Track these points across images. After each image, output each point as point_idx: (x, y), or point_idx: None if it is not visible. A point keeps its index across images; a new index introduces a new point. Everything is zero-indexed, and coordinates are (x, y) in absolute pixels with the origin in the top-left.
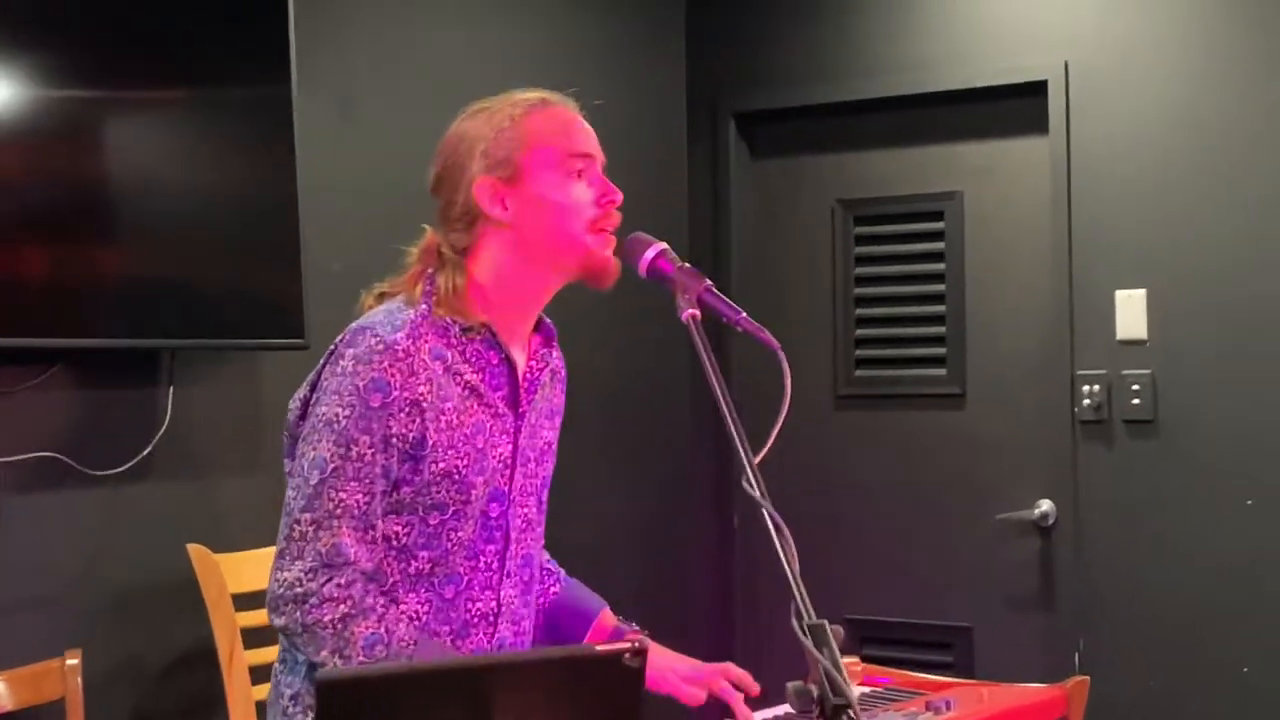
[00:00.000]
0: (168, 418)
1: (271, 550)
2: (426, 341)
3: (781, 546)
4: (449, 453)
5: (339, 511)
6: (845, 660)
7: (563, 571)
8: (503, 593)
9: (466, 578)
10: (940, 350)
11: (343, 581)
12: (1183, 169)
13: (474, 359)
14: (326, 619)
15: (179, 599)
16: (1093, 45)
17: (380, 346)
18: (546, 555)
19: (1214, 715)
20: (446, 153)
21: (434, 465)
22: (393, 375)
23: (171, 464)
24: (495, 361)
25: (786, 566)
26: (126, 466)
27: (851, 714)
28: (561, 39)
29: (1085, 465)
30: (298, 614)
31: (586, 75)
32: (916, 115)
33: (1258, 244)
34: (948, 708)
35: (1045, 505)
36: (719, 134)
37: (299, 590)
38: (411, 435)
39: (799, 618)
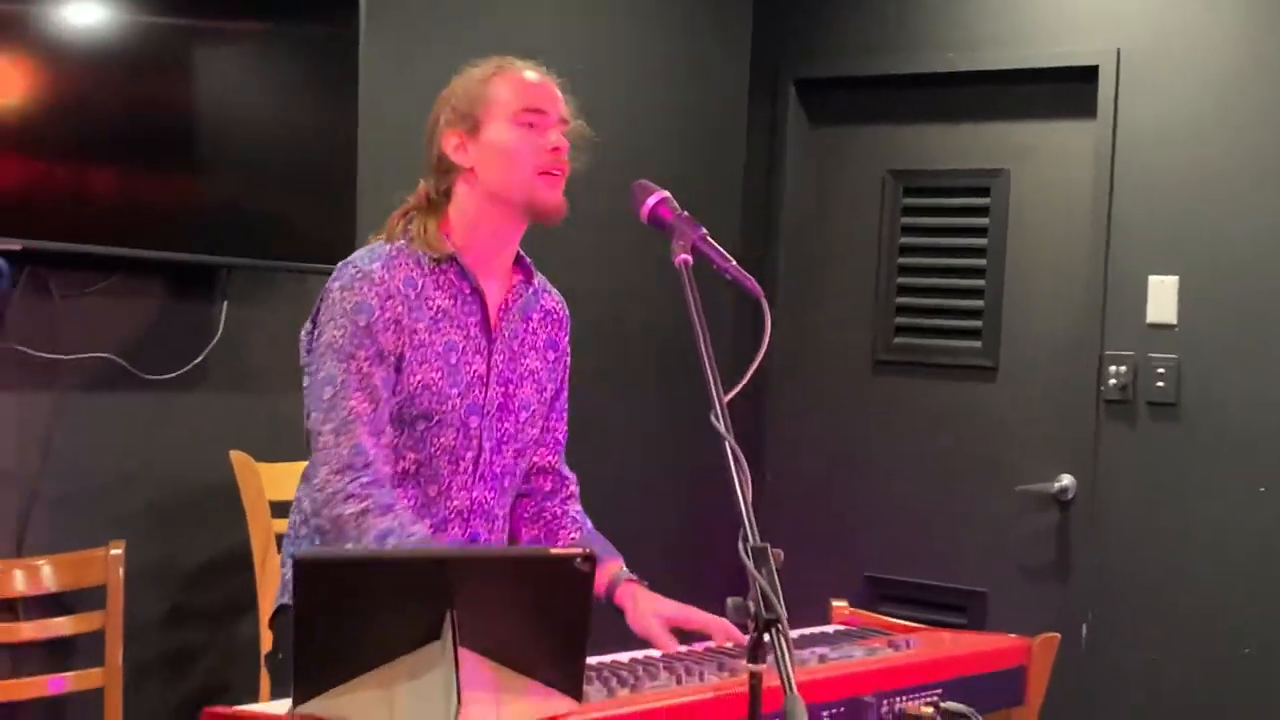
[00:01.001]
0: (220, 331)
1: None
2: (401, 271)
3: (737, 477)
4: (423, 366)
5: (353, 418)
6: (835, 603)
7: (589, 524)
8: (475, 493)
9: (447, 480)
10: (977, 323)
11: (365, 481)
12: (1224, 160)
13: (445, 287)
14: (348, 513)
15: (219, 502)
16: (1146, 33)
17: (359, 275)
18: (578, 508)
19: (1214, 694)
20: (433, 111)
21: (411, 377)
22: (372, 298)
23: (220, 375)
24: (467, 291)
25: (740, 495)
26: (178, 374)
27: (780, 627)
28: (632, 2)
29: (1107, 443)
30: (324, 510)
31: (652, 37)
32: (970, 92)
33: None
34: (908, 646)
35: (1066, 480)
36: (779, 99)
37: (327, 491)
38: (395, 350)
39: (744, 540)
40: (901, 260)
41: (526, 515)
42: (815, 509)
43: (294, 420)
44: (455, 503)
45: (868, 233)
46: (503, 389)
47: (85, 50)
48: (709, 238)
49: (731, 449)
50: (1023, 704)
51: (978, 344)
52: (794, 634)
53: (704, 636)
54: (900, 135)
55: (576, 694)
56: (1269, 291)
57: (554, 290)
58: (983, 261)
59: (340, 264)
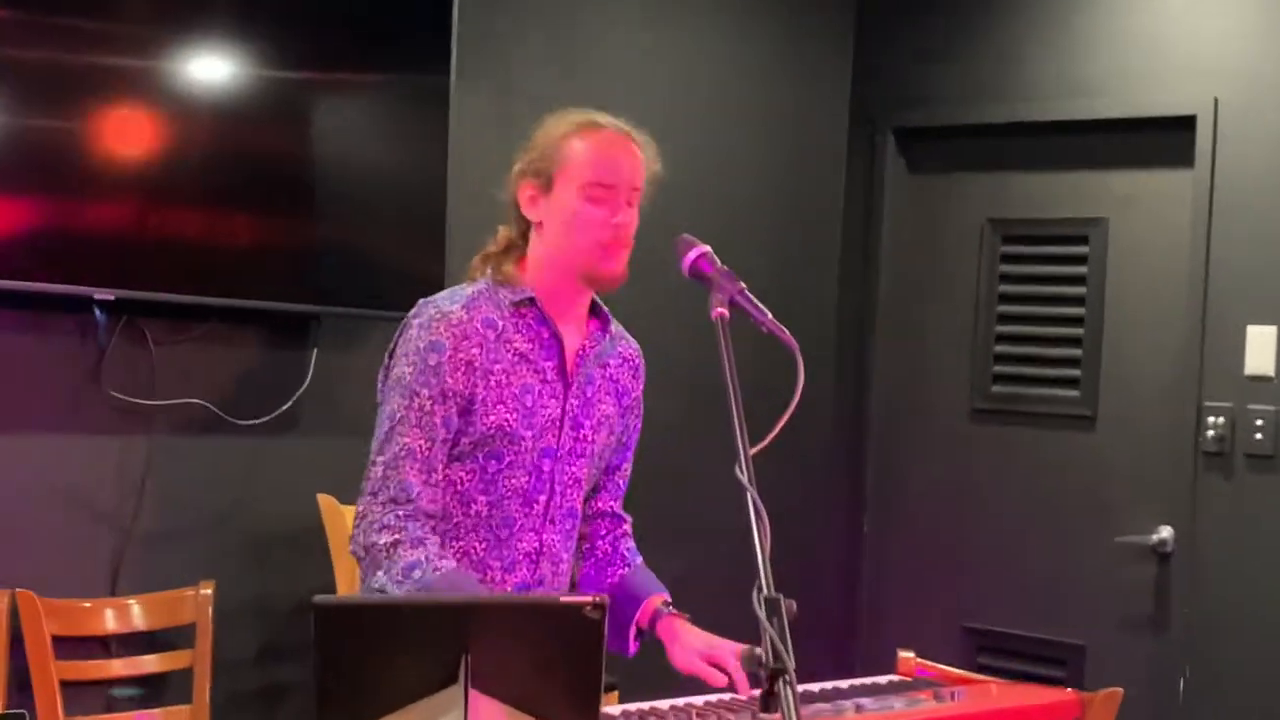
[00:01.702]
0: (309, 377)
1: None
2: (480, 313)
3: (757, 528)
4: (498, 407)
5: (404, 454)
6: (902, 654)
7: (638, 559)
8: (545, 536)
9: (518, 522)
10: (1075, 372)
11: (401, 514)
12: None
13: (525, 331)
14: (381, 543)
15: (307, 544)
16: (1244, 82)
17: (438, 315)
18: (630, 544)
19: None
20: (522, 151)
21: (485, 418)
22: (446, 339)
23: (309, 420)
24: (546, 336)
25: (758, 546)
26: (268, 419)
27: (788, 678)
28: (731, 50)
29: (1205, 495)
30: (359, 537)
31: (753, 86)
32: (1069, 141)
33: None
34: (952, 698)
35: (1165, 532)
36: (878, 148)
37: (367, 519)
38: (465, 391)
39: (758, 590)
40: (1000, 309)
41: (582, 554)
42: (914, 560)
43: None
44: (524, 545)
45: (966, 282)
46: (575, 434)
47: (188, 102)
48: (747, 292)
49: (753, 500)
50: None
51: (1076, 393)
52: (844, 684)
53: None
54: (999, 184)
55: None
56: None
57: (630, 338)
58: (1081, 310)
59: (422, 301)
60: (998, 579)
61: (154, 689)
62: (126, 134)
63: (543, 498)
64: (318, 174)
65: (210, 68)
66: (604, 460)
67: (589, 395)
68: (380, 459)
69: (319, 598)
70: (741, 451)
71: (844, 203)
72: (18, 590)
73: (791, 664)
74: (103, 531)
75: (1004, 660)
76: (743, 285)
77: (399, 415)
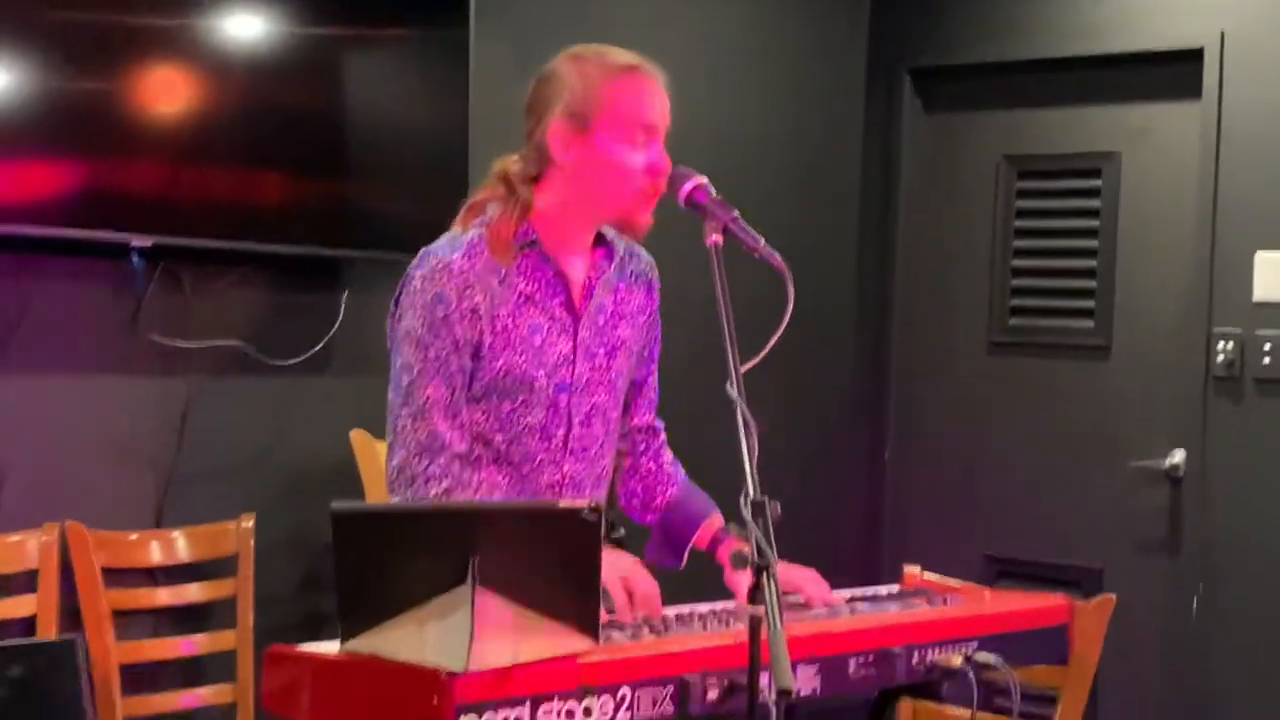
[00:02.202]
0: (339, 319)
1: None
2: (481, 259)
3: (745, 438)
4: (506, 351)
5: (428, 405)
6: (908, 569)
7: (682, 474)
8: (566, 468)
9: (538, 456)
10: (1090, 303)
11: (442, 462)
12: None
13: (528, 272)
14: (433, 493)
15: (341, 478)
16: (1249, 16)
17: (440, 266)
18: (670, 456)
19: None
20: (540, 85)
21: (493, 363)
22: (450, 290)
23: (341, 360)
24: (549, 275)
25: (745, 456)
26: (302, 359)
27: (770, 572)
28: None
29: (1215, 420)
30: (408, 492)
31: (772, 29)
32: (1081, 76)
33: None
34: (945, 602)
35: (1177, 456)
36: (895, 88)
37: (408, 473)
38: (473, 338)
39: (745, 495)
40: (1016, 243)
41: (625, 471)
42: (935, 489)
43: None
44: (546, 478)
45: (983, 217)
46: (590, 364)
47: (219, 59)
48: (740, 220)
49: (742, 412)
50: (1066, 662)
51: (1090, 324)
52: (846, 593)
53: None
54: (1013, 120)
55: (594, 634)
56: None
57: (641, 253)
58: (1095, 243)
59: (423, 251)
60: (1017, 506)
61: (199, 617)
62: (162, 90)
63: (560, 431)
64: (346, 125)
65: (240, 25)
66: (628, 381)
67: (600, 324)
68: (405, 411)
69: (336, 505)
70: (732, 368)
71: (862, 142)
72: (67, 523)
73: (774, 559)
74: (146, 468)
75: (1023, 585)
76: (736, 214)
77: (416, 368)
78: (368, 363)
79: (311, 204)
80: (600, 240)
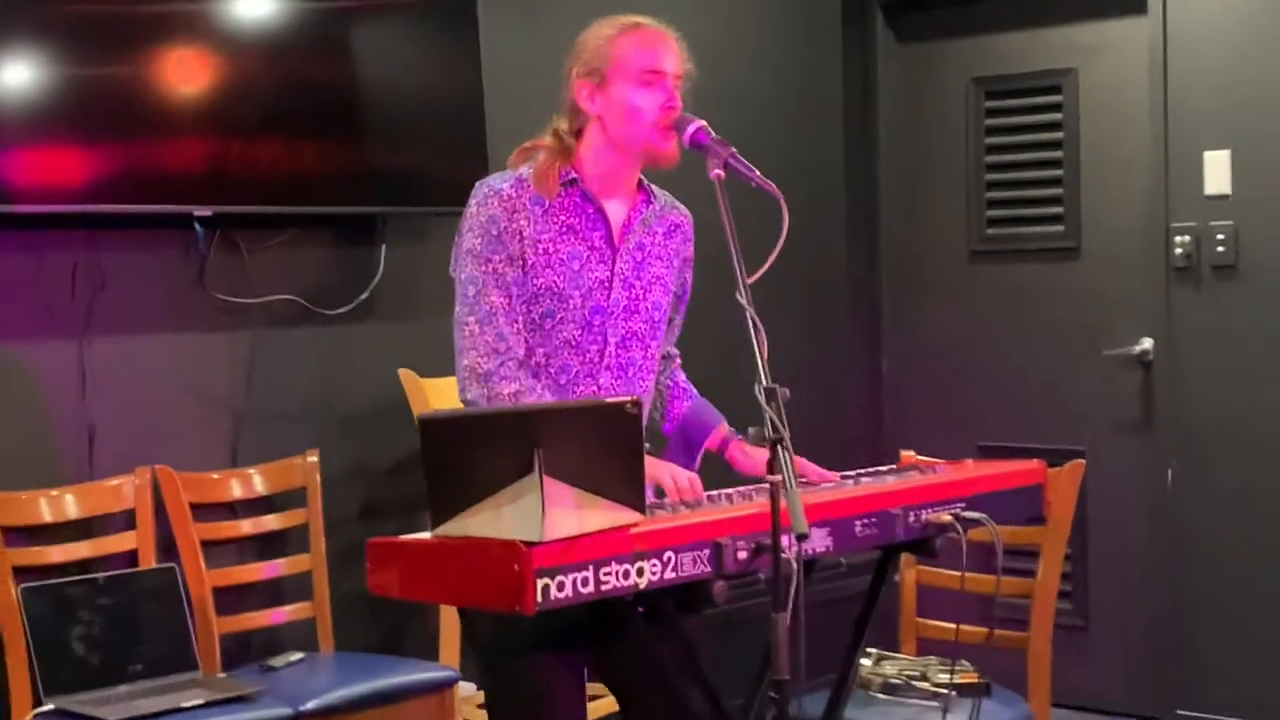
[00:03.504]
0: (380, 270)
1: None
2: (529, 191)
3: (755, 338)
4: (546, 271)
5: (492, 311)
6: (904, 453)
7: (694, 390)
8: (602, 381)
9: (574, 370)
10: (1059, 209)
11: (512, 364)
12: (1268, 41)
13: (571, 208)
14: (506, 393)
15: (393, 414)
16: None
17: (492, 192)
18: (683, 376)
19: None
20: (570, 57)
21: (534, 280)
22: (500, 211)
23: (385, 307)
24: (590, 211)
25: (757, 351)
26: (350, 308)
27: (784, 444)
28: None
29: (1178, 306)
30: (483, 390)
31: None
32: (1038, 1)
33: None
34: (934, 471)
35: (1146, 343)
36: (868, 22)
37: (481, 371)
38: (519, 256)
39: (759, 383)
40: (988, 159)
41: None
42: (929, 391)
43: (448, 340)
44: (582, 389)
45: (956, 136)
46: (628, 293)
47: (248, 37)
48: (737, 154)
49: (751, 317)
50: (1044, 521)
51: (1061, 228)
52: (849, 478)
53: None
54: (978, 45)
55: (640, 508)
56: None
57: (679, 207)
58: (1060, 153)
59: (479, 182)
60: (1005, 399)
61: (276, 544)
62: (196, 72)
63: (594, 348)
64: (368, 93)
65: (254, 6)
66: (665, 316)
67: (639, 260)
68: (472, 318)
69: (423, 413)
70: (740, 280)
71: (842, 74)
72: (157, 466)
73: (787, 434)
74: (219, 414)
75: None
76: (734, 150)
77: (480, 280)
78: (409, 309)
79: (346, 168)
80: (644, 188)
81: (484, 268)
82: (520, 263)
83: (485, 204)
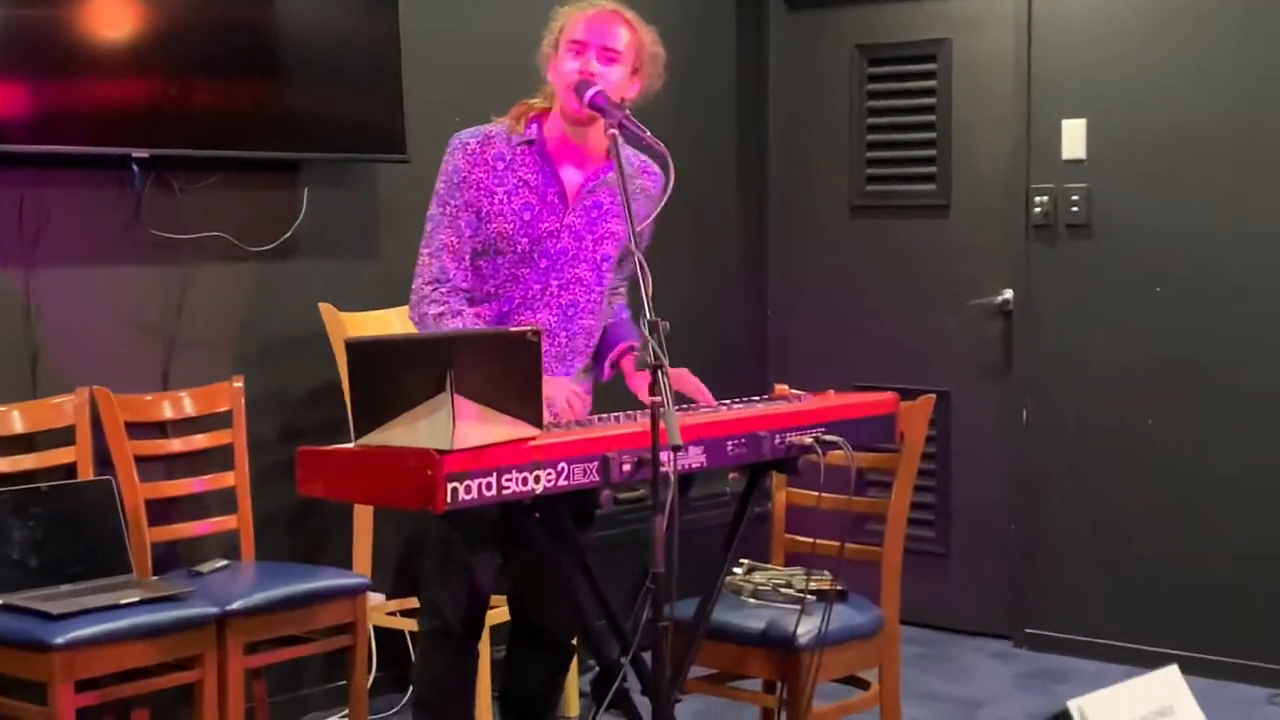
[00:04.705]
0: (303, 212)
1: (381, 312)
2: (493, 147)
3: (643, 280)
4: (498, 219)
5: (440, 247)
6: (778, 386)
7: (626, 315)
8: (540, 316)
9: (517, 301)
10: (931, 169)
11: (444, 291)
12: (1119, 22)
13: (529, 165)
14: (431, 314)
15: (313, 344)
16: None
17: (459, 145)
18: (622, 302)
19: (1122, 454)
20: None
21: (489, 224)
22: (462, 163)
23: (307, 245)
24: (547, 170)
25: (644, 290)
26: (275, 245)
27: (663, 369)
28: None
29: (1036, 261)
30: (416, 311)
31: None
32: None
33: (1176, 86)
34: (800, 400)
35: (1007, 294)
36: None
37: (419, 295)
38: (475, 204)
39: (643, 317)
40: (869, 120)
41: None
42: (812, 337)
43: (366, 277)
44: (522, 318)
45: (841, 99)
46: (577, 243)
47: None
48: (630, 115)
49: (640, 261)
50: (898, 448)
51: (933, 187)
52: (724, 404)
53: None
54: (862, 14)
55: (538, 424)
56: (1158, 128)
57: (653, 168)
58: (933, 118)
59: (454, 135)
60: (879, 343)
61: (203, 461)
62: (133, 17)
63: (536, 286)
64: (288, 39)
65: None
66: (614, 266)
67: (595, 216)
68: (425, 251)
69: (349, 338)
70: (630, 228)
71: (735, 40)
72: (95, 387)
73: (666, 360)
74: (153, 341)
75: None
76: (627, 111)
77: (437, 218)
78: (329, 248)
79: (270, 114)
80: (608, 157)
81: (442, 209)
82: (475, 209)
83: (453, 155)
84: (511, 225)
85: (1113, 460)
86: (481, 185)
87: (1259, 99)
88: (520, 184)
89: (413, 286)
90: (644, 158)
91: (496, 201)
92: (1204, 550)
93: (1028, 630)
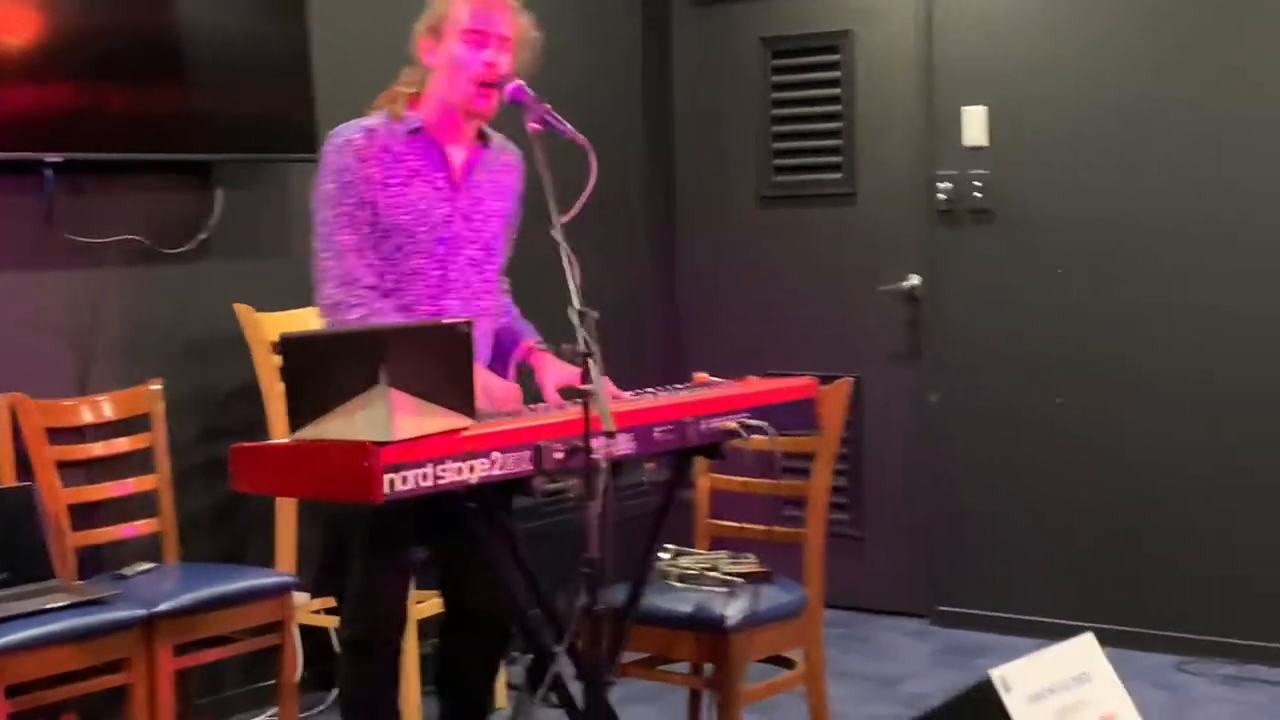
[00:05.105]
0: (216, 212)
1: (297, 311)
2: (379, 140)
3: (569, 268)
4: (395, 210)
5: (343, 248)
6: (696, 374)
7: (516, 312)
8: (442, 304)
9: (419, 293)
10: (838, 159)
11: (359, 292)
12: (1017, 14)
13: (417, 152)
14: (353, 318)
15: (230, 345)
16: None
17: (342, 142)
18: (508, 300)
19: (1030, 433)
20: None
21: (385, 219)
22: (352, 160)
23: (221, 246)
24: (434, 155)
25: (570, 279)
26: (189, 247)
27: (595, 358)
28: None
29: (941, 246)
30: (335, 317)
31: None
32: None
33: (1074, 72)
34: (722, 386)
35: (914, 279)
36: None
37: (333, 301)
38: (370, 199)
39: (572, 307)
40: (774, 111)
41: None
42: (723, 325)
43: (280, 278)
44: (424, 309)
45: (747, 90)
46: (467, 225)
47: None
48: (552, 110)
49: (565, 251)
50: (818, 431)
51: (839, 175)
52: (649, 392)
53: None
54: (766, 8)
55: (471, 414)
56: (1057, 114)
57: (512, 148)
58: (839, 108)
59: (332, 131)
60: (791, 331)
61: (124, 465)
62: (33, 24)
63: (437, 274)
64: (195, 40)
65: None
66: (501, 244)
67: (478, 196)
68: (327, 254)
69: (284, 333)
70: (554, 218)
71: (641, 34)
72: (13, 394)
73: (597, 350)
74: (70, 346)
75: None
76: (549, 106)
77: (332, 221)
78: (244, 248)
79: (181, 116)
80: (482, 135)
81: (337, 210)
82: (371, 205)
83: (340, 153)
84: (409, 216)
85: (1021, 440)
86: (374, 180)
87: (1155, 85)
88: (411, 173)
89: (322, 293)
90: (502, 136)
91: (391, 194)
92: (1111, 524)
93: (941, 608)
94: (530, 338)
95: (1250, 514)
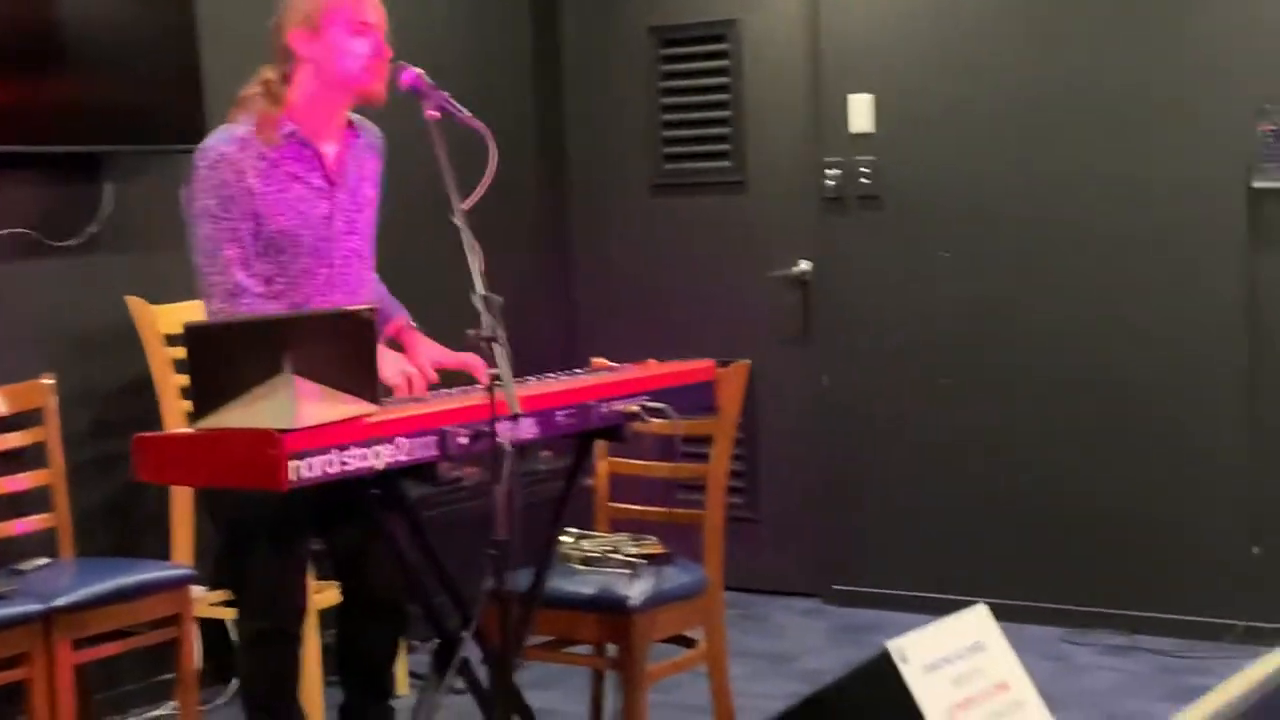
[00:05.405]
0: (105, 204)
1: (193, 303)
2: (252, 149)
3: (471, 255)
4: (277, 217)
5: (227, 262)
6: (595, 360)
7: (384, 290)
8: (332, 298)
9: (308, 292)
10: (726, 147)
11: (247, 301)
12: (903, 2)
13: (293, 155)
14: None
15: (123, 338)
16: None
17: (216, 156)
18: (375, 276)
19: (919, 415)
20: (277, 10)
21: (269, 225)
22: (230, 175)
23: (112, 239)
24: (309, 156)
25: (474, 267)
26: (80, 240)
27: (500, 341)
28: None
29: (829, 232)
30: None
31: None
32: None
33: (959, 60)
34: (623, 369)
35: (804, 265)
36: None
37: (224, 314)
38: (252, 209)
39: (475, 291)
40: (663, 100)
41: None
42: (617, 314)
43: (172, 270)
44: (317, 304)
45: (636, 80)
46: (346, 219)
47: None
48: (450, 98)
49: (467, 237)
50: (716, 413)
51: (729, 163)
52: (550, 377)
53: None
54: None
55: (375, 400)
56: (942, 101)
57: (370, 126)
58: (727, 96)
59: (201, 145)
60: (684, 318)
61: (17, 461)
62: None
63: (324, 271)
64: (80, 30)
65: None
66: (374, 228)
67: (352, 187)
68: (211, 270)
69: (189, 322)
70: (456, 205)
71: (530, 24)
72: None
73: (502, 333)
74: None
75: None
76: (447, 94)
77: (214, 235)
78: (135, 241)
79: (68, 107)
80: (349, 123)
81: (216, 224)
82: (254, 216)
83: (214, 169)
84: (292, 221)
85: (909, 422)
86: (254, 191)
87: (1038, 72)
88: (289, 178)
89: (210, 308)
90: (361, 118)
91: (270, 202)
92: (998, 502)
93: (835, 587)
94: (400, 316)
95: (1132, 488)
